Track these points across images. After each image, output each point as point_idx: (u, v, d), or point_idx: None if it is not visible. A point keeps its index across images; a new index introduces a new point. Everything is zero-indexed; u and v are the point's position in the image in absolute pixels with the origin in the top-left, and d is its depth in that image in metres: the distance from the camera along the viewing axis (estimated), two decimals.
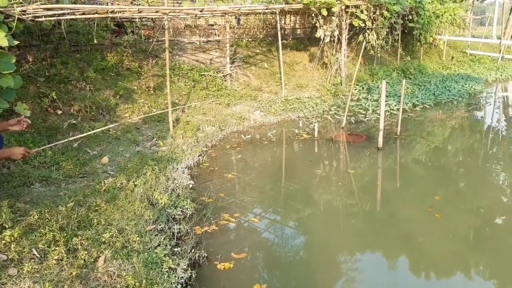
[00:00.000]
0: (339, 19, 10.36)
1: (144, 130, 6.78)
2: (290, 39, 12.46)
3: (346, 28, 10.64)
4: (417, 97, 10.55)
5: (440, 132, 7.93)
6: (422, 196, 4.96)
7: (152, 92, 7.94)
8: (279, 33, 10.03)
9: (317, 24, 10.21)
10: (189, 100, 8.31)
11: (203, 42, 10.59)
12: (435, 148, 6.96)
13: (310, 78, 10.97)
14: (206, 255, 3.54)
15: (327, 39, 10.38)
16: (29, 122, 3.57)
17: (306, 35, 13.09)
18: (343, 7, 10.26)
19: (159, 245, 3.46)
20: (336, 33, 10.40)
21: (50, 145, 4.78)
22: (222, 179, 5.39)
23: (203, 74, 9.27)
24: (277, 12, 9.71)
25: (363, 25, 10.58)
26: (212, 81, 9.19)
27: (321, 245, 4.01)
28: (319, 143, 7.01)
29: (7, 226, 3.29)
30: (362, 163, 6.11)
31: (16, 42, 4.86)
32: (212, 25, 11.49)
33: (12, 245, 3.03)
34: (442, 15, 14.17)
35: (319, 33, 10.28)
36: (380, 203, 4.91)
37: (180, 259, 3.36)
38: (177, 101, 8.05)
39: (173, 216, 4.12)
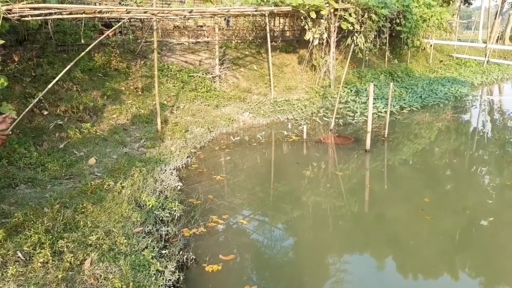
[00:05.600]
0: (327, 22, 10.43)
1: (131, 131, 6.72)
2: (279, 41, 12.49)
3: (334, 31, 10.72)
4: (404, 99, 10.67)
5: (427, 134, 8.03)
6: (410, 198, 5.01)
7: (140, 93, 7.88)
8: (268, 35, 10.05)
9: (306, 27, 10.27)
10: (178, 101, 8.27)
11: (192, 43, 10.56)
12: (422, 150, 7.05)
13: (299, 80, 11.01)
14: (194, 257, 3.52)
15: (316, 42, 10.44)
16: (14, 117, 3.50)
17: (295, 37, 13.14)
18: (332, 10, 10.33)
19: (146, 248, 3.43)
20: (325, 35, 10.46)
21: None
22: (211, 180, 5.37)
23: (192, 75, 9.23)
24: (266, 14, 9.72)
25: (351, 28, 10.67)
26: (201, 83, 9.16)
27: (309, 247, 4.02)
28: (308, 145, 7.03)
29: None
30: (350, 165, 6.15)
31: (1, 42, 4.79)
32: (201, 26, 11.47)
33: None
34: (429, 19, 14.37)
35: (308, 36, 10.34)
36: (369, 204, 4.95)
37: (167, 261, 3.33)
38: (165, 102, 8.00)
39: (161, 218, 4.09)
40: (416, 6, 13.70)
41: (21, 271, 2.83)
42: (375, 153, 6.58)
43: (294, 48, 12.24)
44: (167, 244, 3.71)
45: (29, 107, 4.32)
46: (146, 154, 5.78)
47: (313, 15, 9.92)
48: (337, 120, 8.29)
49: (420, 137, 7.84)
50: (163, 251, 3.50)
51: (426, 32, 15.30)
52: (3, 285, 2.67)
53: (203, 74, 9.39)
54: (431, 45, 16.11)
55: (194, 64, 9.84)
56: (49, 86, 4.34)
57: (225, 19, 11.30)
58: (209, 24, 11.34)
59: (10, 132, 3.24)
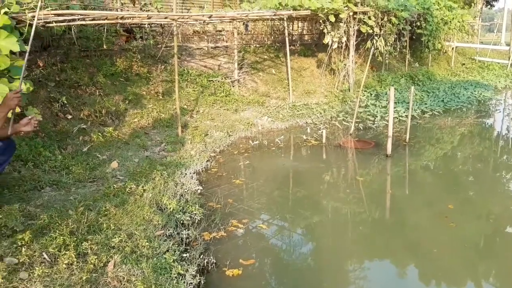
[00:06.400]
0: (346, 25, 10.37)
1: (152, 135, 6.81)
2: (297, 45, 12.48)
3: (354, 34, 10.65)
4: (425, 103, 10.50)
5: (449, 139, 7.87)
6: (433, 204, 4.91)
7: (161, 97, 7.98)
8: (287, 39, 10.06)
9: (325, 30, 10.23)
10: (197, 105, 8.34)
11: (211, 48, 10.65)
12: (444, 155, 6.91)
13: (317, 84, 10.97)
14: (214, 261, 3.52)
15: (335, 45, 10.39)
16: (40, 118, 3.61)
17: (314, 41, 13.11)
18: (351, 14, 10.28)
19: (168, 251, 3.46)
20: (344, 39, 10.40)
21: None
22: (230, 184, 5.39)
23: (211, 80, 9.31)
24: (285, 18, 9.74)
25: (371, 31, 10.58)
26: (220, 87, 9.22)
27: (329, 253, 3.99)
28: (327, 150, 6.99)
29: (18, 230, 3.32)
30: (371, 170, 6.08)
31: (27, 47, 4.91)
32: (220, 31, 11.56)
33: (23, 249, 3.04)
34: (450, 21, 14.12)
35: (327, 39, 10.30)
36: (390, 210, 4.88)
37: (188, 265, 3.35)
38: (185, 106, 8.08)
39: (181, 222, 4.12)
40: (437, 9, 13.49)
41: (47, 272, 2.88)
42: (396, 158, 6.49)
43: (312, 52, 12.21)
44: (188, 247, 3.73)
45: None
46: (166, 157, 5.84)
47: (332, 18, 9.88)
48: (357, 124, 8.22)
49: (442, 142, 7.69)
50: (184, 255, 3.52)
51: (448, 35, 15.04)
52: (30, 286, 2.73)
53: (222, 79, 9.46)
54: (452, 48, 15.83)
55: (213, 68, 9.92)
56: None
57: (243, 24, 11.37)
58: (228, 29, 11.43)
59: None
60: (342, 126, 8.41)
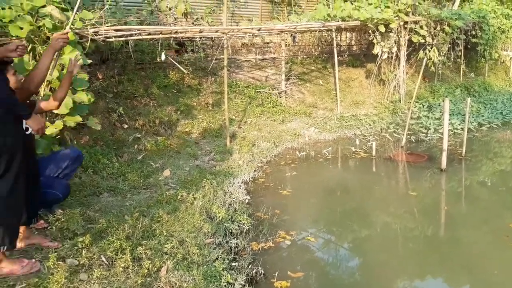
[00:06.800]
0: (397, 35, 10.14)
1: (202, 144, 6.99)
2: (345, 55, 12.35)
3: (404, 44, 10.38)
4: (483, 115, 9.98)
5: (509, 153, 7.42)
6: (492, 222, 4.63)
7: (210, 108, 8.19)
8: (335, 50, 9.99)
9: (374, 41, 10.05)
10: (245, 116, 8.47)
11: (259, 59, 10.79)
12: (503, 170, 6.52)
13: (366, 95, 10.77)
14: (263, 271, 3.53)
15: (385, 56, 10.17)
16: (99, 128, 3.79)
17: (362, 51, 12.91)
18: (402, 23, 10.04)
19: (217, 259, 3.51)
20: (394, 49, 10.16)
21: None
22: (277, 195, 5.39)
23: (259, 91, 9.42)
24: (333, 29, 9.69)
25: (422, 41, 10.26)
26: (267, 98, 9.31)
27: (377, 269, 3.87)
28: (377, 162, 6.82)
29: (78, 233, 3.52)
30: (424, 185, 5.85)
31: (89, 61, 5.25)
32: (267, 43, 11.69)
33: (83, 251, 3.21)
34: (508, 30, 13.40)
35: (377, 50, 10.10)
36: (445, 227, 4.66)
37: (237, 274, 3.38)
38: (233, 117, 8.23)
39: (230, 231, 4.18)
40: (494, 17, 12.85)
41: (105, 275, 3.01)
42: (451, 173, 6.20)
43: (361, 62, 12.02)
44: (236, 256, 3.77)
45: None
46: (216, 167, 5.97)
47: (382, 28, 9.70)
48: (408, 136, 7.96)
49: (501, 156, 7.27)
50: (233, 264, 3.56)
51: (505, 44, 14.26)
52: (90, 286, 2.87)
53: (269, 90, 9.55)
54: (510, 58, 14.96)
55: (261, 80, 10.04)
56: None
57: (291, 35, 11.42)
58: (275, 41, 11.53)
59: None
60: (392, 138, 8.18)
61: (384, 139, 8.17)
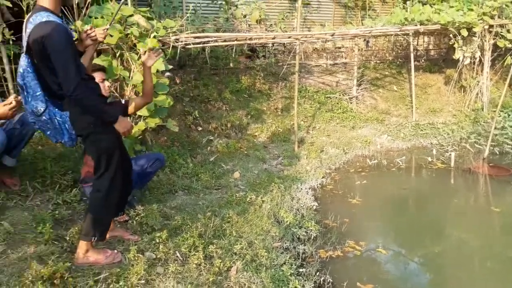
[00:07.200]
0: (481, 39, 9.44)
1: (270, 148, 7.08)
2: (422, 60, 11.76)
3: (489, 49, 9.62)
4: None
5: None
6: None
7: (279, 113, 8.27)
8: (411, 54, 9.57)
9: (455, 45, 9.45)
10: (314, 121, 8.42)
11: (330, 64, 10.67)
12: None
13: (445, 102, 10.17)
14: (331, 280, 3.50)
15: (467, 61, 9.52)
16: (176, 130, 4.00)
17: (441, 56, 12.21)
18: (486, 27, 9.33)
19: (285, 263, 3.55)
20: (478, 54, 9.47)
21: None
22: (346, 203, 5.30)
23: (329, 96, 9.31)
24: (410, 34, 9.30)
25: (510, 45, 9.44)
26: (338, 103, 9.17)
27: (450, 287, 3.64)
28: (455, 174, 6.41)
29: (156, 228, 3.74)
30: (508, 200, 5.39)
31: (170, 67, 5.58)
32: (339, 47, 11.52)
33: (160, 246, 3.40)
34: None
35: (458, 55, 9.49)
36: None
37: (305, 280, 3.38)
38: (302, 122, 8.23)
39: (298, 236, 4.19)
40: None
41: (179, 270, 3.18)
42: None
43: (439, 68, 11.38)
44: (304, 263, 3.77)
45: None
46: (283, 171, 6.01)
47: (464, 32, 9.09)
48: (492, 148, 7.37)
49: None
50: (300, 270, 3.57)
51: None
52: (165, 280, 3.04)
53: (339, 95, 9.40)
54: None
55: (331, 85, 9.91)
56: None
57: (364, 40, 11.15)
58: (347, 45, 11.33)
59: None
60: (473, 149, 7.62)
61: (463, 150, 7.65)
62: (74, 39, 2.81)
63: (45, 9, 2.65)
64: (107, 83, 3.61)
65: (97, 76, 3.58)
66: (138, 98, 3.46)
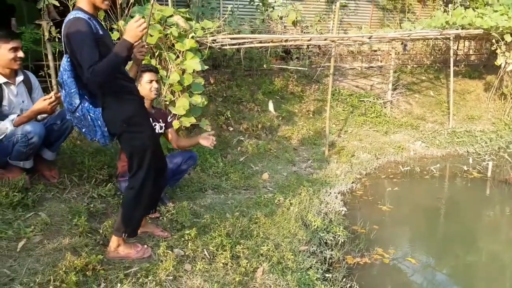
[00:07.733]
0: None
1: (300, 151, 7.06)
2: (462, 66, 11.38)
3: None
4: None
5: None
6: None
7: (311, 115, 8.23)
8: (451, 59, 9.28)
9: (498, 51, 9.09)
10: (346, 125, 8.33)
11: (365, 68, 10.51)
12: None
13: (484, 110, 9.80)
14: (357, 287, 3.46)
15: (509, 67, 9.13)
16: (212, 132, 4.19)
17: (482, 61, 11.77)
18: None
19: (311, 267, 3.54)
20: None
21: None
22: (376, 210, 5.22)
23: (362, 100, 9.18)
24: (451, 38, 9.02)
25: None
26: (371, 107, 9.02)
27: None
28: (492, 185, 6.18)
29: (186, 225, 3.82)
30: None
31: (206, 67, 5.67)
32: (375, 51, 11.33)
33: (189, 243, 3.46)
34: None
35: (500, 61, 9.11)
36: None
37: (331, 286, 3.37)
38: (334, 125, 8.16)
39: (325, 241, 4.17)
40: None
41: (207, 268, 3.23)
42: None
43: (479, 74, 10.97)
44: (330, 268, 3.76)
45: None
46: (312, 174, 5.99)
47: (508, 38, 8.72)
48: None
49: None
50: (327, 275, 3.56)
51: None
52: (192, 278, 3.10)
53: (373, 99, 9.24)
54: None
55: (365, 88, 9.77)
56: None
57: (402, 44, 10.91)
58: (384, 49, 11.12)
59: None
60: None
61: (502, 160, 7.35)
62: (101, 34, 2.79)
63: (78, 9, 2.76)
64: (155, 84, 3.73)
65: (147, 77, 3.71)
66: (182, 138, 4.17)
